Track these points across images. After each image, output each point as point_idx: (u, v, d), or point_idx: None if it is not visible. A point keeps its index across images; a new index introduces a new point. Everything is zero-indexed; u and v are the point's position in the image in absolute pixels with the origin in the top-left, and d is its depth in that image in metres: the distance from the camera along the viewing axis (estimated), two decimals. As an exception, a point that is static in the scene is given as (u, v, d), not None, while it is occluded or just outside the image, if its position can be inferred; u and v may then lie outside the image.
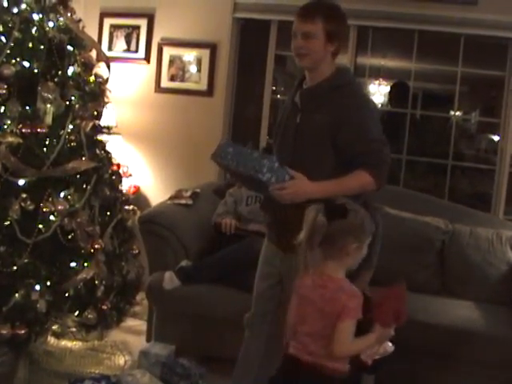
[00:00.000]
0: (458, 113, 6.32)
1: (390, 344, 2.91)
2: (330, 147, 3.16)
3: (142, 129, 6.16)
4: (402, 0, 5.66)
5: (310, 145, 3.21)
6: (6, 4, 3.67)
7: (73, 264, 3.67)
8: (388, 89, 8.77)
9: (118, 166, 4.37)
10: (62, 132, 3.64)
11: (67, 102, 3.71)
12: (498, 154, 5.81)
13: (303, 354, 2.72)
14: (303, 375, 2.72)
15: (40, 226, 3.50)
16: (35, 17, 3.70)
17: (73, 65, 3.82)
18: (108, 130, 4.18)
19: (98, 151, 4.01)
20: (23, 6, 3.70)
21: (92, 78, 3.99)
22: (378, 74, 8.14)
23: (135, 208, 4.38)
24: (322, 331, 2.68)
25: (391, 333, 2.77)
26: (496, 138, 6.07)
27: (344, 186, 3.10)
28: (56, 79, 3.68)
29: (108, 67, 4.17)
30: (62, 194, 3.59)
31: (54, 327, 3.93)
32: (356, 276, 4.25)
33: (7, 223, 3.45)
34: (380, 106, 9.25)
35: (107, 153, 4.14)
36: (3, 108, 3.52)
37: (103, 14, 6.28)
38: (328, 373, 2.68)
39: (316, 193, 3.04)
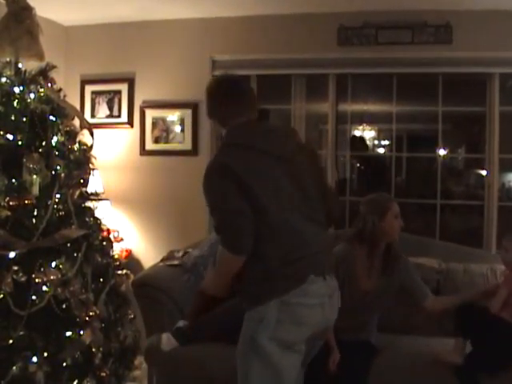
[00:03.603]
0: (443, 151, 6.37)
1: None
2: None
3: (129, 192, 6.20)
4: (378, 45, 5.76)
5: None
6: (-15, 79, 3.72)
7: (68, 333, 3.64)
8: (372, 133, 8.85)
9: (108, 231, 4.37)
10: (49, 202, 3.64)
11: (53, 172, 3.71)
12: (485, 189, 5.85)
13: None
14: None
15: (33, 297, 3.46)
16: (16, 89, 3.73)
17: (56, 134, 3.83)
18: (95, 196, 4.18)
19: (86, 218, 4.01)
20: (3, 80, 3.74)
21: (76, 146, 4.00)
22: (360, 119, 8.23)
23: (128, 272, 4.37)
24: None
25: None
26: (484, 172, 6.11)
27: (217, 273, 3.34)
28: (40, 150, 3.68)
29: (91, 134, 4.19)
30: (53, 264, 3.56)
31: (54, 398, 3.88)
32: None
33: (0, 296, 3.43)
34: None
35: (96, 219, 4.13)
36: (-11, 182, 3.53)
37: (84, 82, 6.37)
38: None
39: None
